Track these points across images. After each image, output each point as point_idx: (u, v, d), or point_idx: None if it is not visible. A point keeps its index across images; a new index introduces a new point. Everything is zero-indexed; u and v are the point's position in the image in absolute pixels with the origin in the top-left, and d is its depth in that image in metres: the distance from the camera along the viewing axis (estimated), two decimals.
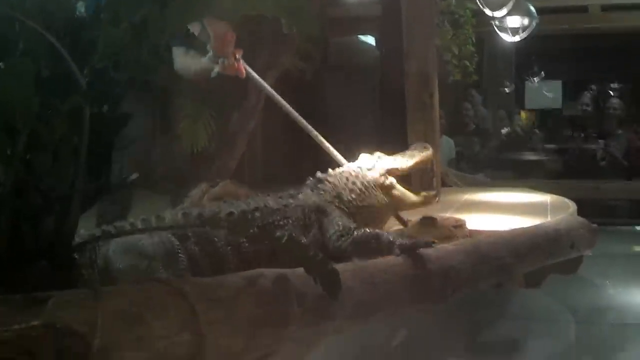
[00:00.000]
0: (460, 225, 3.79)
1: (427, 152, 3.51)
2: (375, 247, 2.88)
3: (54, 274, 1.96)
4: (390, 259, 2.80)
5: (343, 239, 2.92)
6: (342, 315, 2.52)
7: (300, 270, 2.38)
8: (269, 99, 4.03)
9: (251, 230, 2.84)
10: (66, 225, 2.06)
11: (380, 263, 2.76)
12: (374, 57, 9.42)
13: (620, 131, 10.43)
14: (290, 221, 2.95)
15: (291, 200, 3.06)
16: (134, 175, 2.44)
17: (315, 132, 3.85)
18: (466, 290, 3.24)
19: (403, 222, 3.56)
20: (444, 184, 6.16)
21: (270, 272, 2.33)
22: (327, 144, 3.83)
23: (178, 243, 2.69)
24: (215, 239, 2.76)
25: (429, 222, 3.56)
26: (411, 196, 3.40)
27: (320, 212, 3.05)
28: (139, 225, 2.70)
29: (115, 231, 2.65)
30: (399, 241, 2.90)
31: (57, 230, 2.02)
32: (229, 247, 2.77)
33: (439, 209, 4.30)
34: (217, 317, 2.07)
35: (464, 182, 7.39)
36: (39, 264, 1.95)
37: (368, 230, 2.95)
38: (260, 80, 4.00)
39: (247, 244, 2.79)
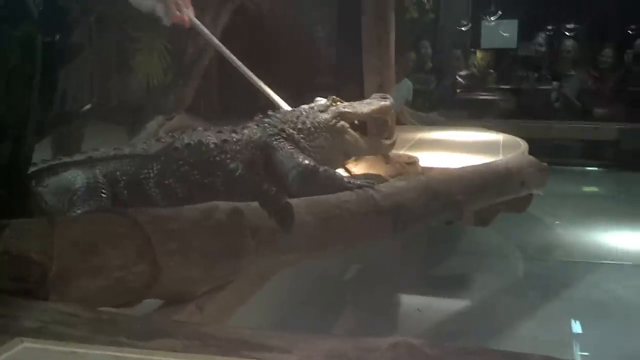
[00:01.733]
0: (413, 162, 3.84)
1: (386, 103, 3.35)
2: (327, 183, 2.92)
3: (10, 202, 1.96)
4: (342, 195, 2.84)
5: (298, 173, 2.94)
6: (296, 249, 2.58)
7: (255, 204, 2.42)
8: (224, 30, 3.94)
9: (185, 168, 2.88)
10: (21, 154, 2.05)
11: (333, 199, 2.81)
12: None
13: (573, 72, 10.52)
14: (229, 156, 2.95)
15: (234, 135, 3.03)
16: (88, 106, 2.44)
17: (261, 84, 3.81)
18: (417, 227, 3.31)
19: (348, 171, 3.48)
20: (398, 122, 6.18)
21: (225, 205, 2.36)
22: (269, 90, 3.79)
23: (103, 180, 2.77)
24: (144, 180, 2.85)
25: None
26: (364, 143, 3.29)
27: (268, 147, 3.04)
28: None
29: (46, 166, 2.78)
30: (348, 179, 3.00)
31: (11, 158, 2.01)
32: (158, 189, 2.85)
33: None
34: (172, 249, 2.10)
35: (418, 120, 7.41)
36: None
37: (321, 167, 2.98)
38: (207, 31, 3.94)
39: (176, 184, 2.85)
